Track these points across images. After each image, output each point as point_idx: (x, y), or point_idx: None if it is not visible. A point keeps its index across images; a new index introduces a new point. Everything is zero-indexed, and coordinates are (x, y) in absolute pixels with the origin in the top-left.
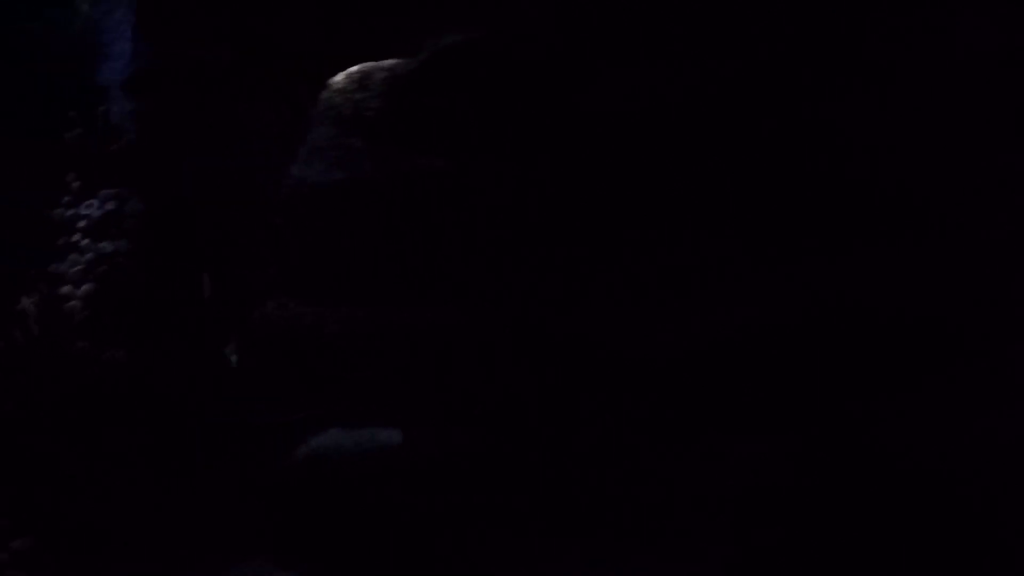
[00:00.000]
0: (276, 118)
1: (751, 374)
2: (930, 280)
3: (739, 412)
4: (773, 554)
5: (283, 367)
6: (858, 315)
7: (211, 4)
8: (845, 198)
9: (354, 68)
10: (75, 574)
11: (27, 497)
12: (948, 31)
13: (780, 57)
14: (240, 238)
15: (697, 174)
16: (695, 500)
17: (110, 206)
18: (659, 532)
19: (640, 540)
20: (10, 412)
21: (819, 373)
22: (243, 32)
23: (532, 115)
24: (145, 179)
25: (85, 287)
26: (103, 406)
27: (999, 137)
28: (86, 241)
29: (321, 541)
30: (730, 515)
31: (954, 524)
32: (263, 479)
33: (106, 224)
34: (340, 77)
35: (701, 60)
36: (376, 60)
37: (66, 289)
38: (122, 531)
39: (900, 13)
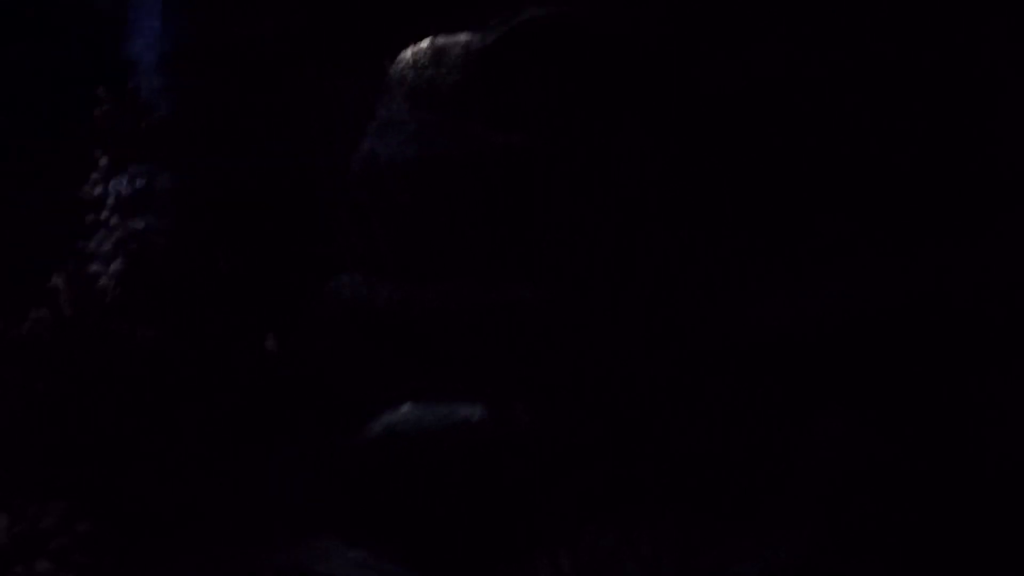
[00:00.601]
0: (323, 93)
1: (850, 354)
2: None
3: (835, 390)
4: (861, 528)
5: (355, 342)
6: (955, 300)
7: None
8: (951, 187)
9: (425, 42)
10: (140, 556)
11: (86, 478)
12: None
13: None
14: (287, 216)
15: (808, 159)
16: (786, 475)
17: (140, 183)
18: (748, 507)
19: (727, 515)
20: (61, 391)
21: (915, 354)
22: (290, 7)
23: (616, 91)
24: (180, 156)
25: (115, 265)
26: (146, 385)
27: None
28: (115, 218)
29: (395, 517)
30: (820, 490)
31: None
32: (331, 455)
33: (136, 201)
34: (411, 51)
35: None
36: (434, 34)
37: (95, 267)
38: (185, 510)
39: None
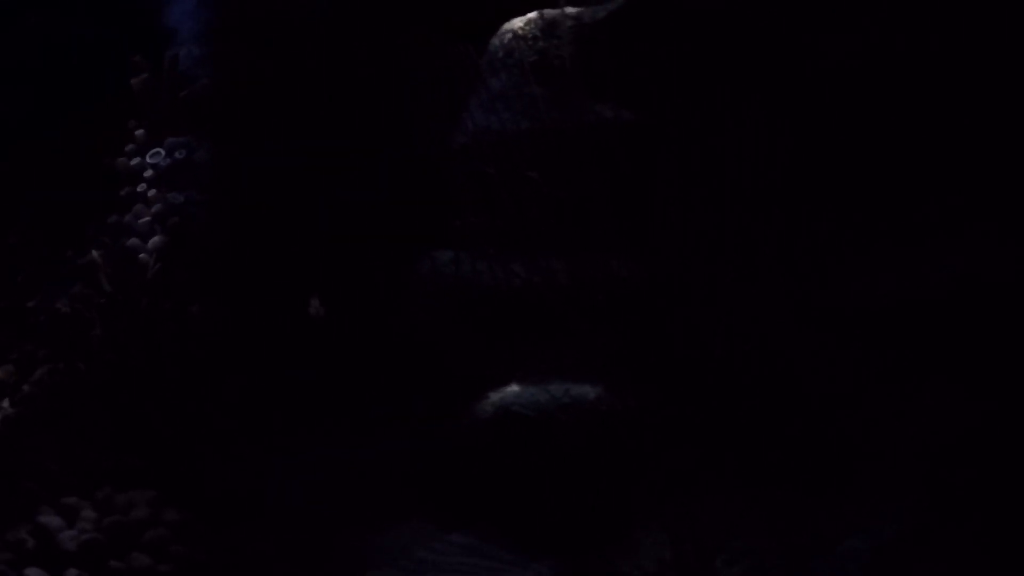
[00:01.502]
0: (392, 64)
1: (957, 326)
2: None
3: (942, 363)
4: (962, 498)
5: (453, 320)
6: None
7: None
8: None
9: (533, 14)
10: (230, 545)
11: (157, 464)
12: None
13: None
14: (343, 187)
15: (930, 135)
16: (886, 450)
17: (179, 155)
18: (846, 482)
19: (826, 491)
20: (107, 371)
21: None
22: None
23: (730, 68)
24: (221, 128)
25: (155, 240)
26: (199, 365)
27: None
28: (153, 191)
29: (499, 499)
30: (923, 463)
31: None
32: (418, 437)
33: (175, 174)
34: (519, 23)
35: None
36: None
37: (133, 241)
38: (260, 495)
39: None
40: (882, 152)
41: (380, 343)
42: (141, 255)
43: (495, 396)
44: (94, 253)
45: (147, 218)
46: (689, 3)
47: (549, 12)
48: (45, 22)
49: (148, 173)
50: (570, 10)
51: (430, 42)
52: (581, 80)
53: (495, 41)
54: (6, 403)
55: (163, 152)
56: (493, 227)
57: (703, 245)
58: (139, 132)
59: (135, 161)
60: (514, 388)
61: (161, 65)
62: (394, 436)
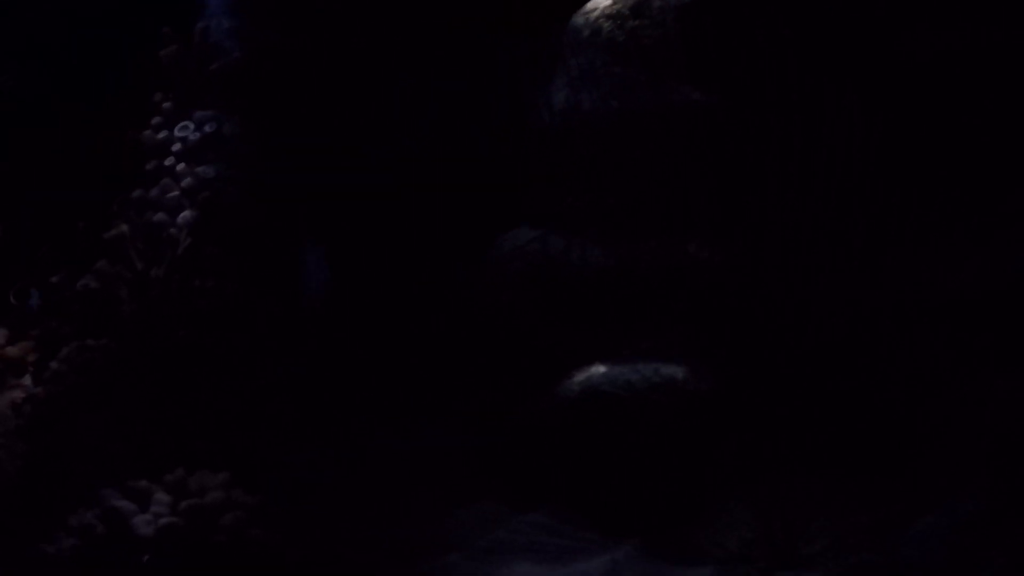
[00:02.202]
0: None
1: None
2: None
3: (1008, 350)
4: None
5: (537, 300)
6: None
7: None
8: None
9: None
10: (303, 528)
11: (236, 446)
12: None
13: None
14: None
15: (1009, 127)
16: (962, 428)
17: (209, 128)
18: (916, 465)
19: (897, 474)
20: (145, 351)
21: None
22: None
23: (821, 55)
24: (254, 101)
25: (185, 214)
26: (239, 344)
27: None
28: (182, 166)
29: (577, 478)
30: (987, 448)
31: None
32: (498, 417)
33: (204, 147)
34: (606, 2)
35: None
36: None
37: (160, 216)
38: (324, 477)
39: None
40: (971, 145)
41: (458, 322)
42: (170, 230)
43: (580, 376)
44: (124, 227)
45: (175, 192)
46: None
47: None
48: None
49: (176, 147)
50: None
51: (509, 18)
52: (670, 61)
53: (579, 20)
54: (27, 380)
55: (191, 126)
56: (577, 207)
57: (789, 231)
58: (166, 105)
59: (162, 134)
60: (600, 368)
61: (190, 37)
62: (468, 417)
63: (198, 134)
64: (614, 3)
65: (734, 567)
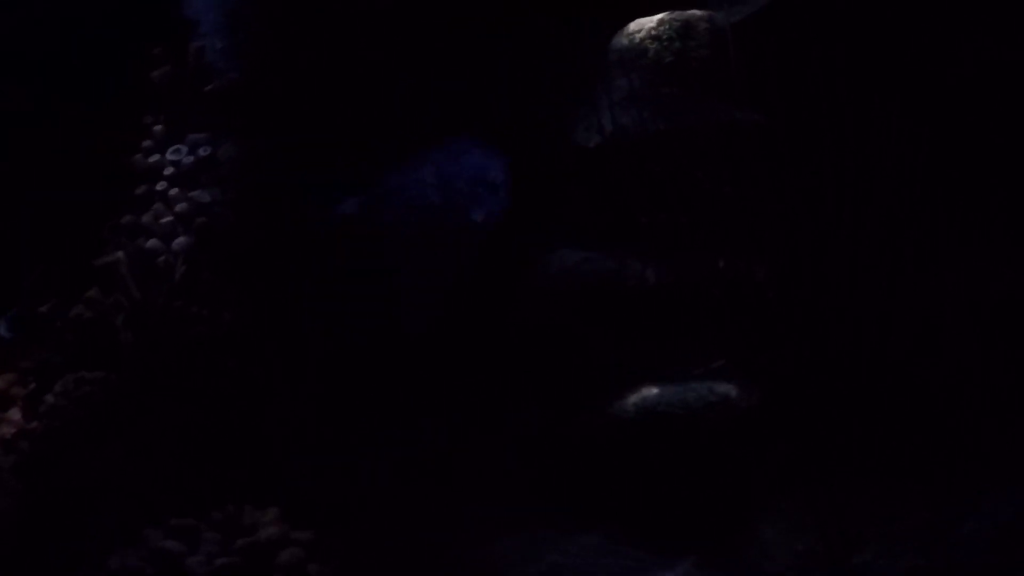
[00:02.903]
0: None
1: None
2: None
3: None
4: None
5: (594, 318)
6: None
7: None
8: None
9: (666, 15)
10: (359, 560)
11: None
12: None
13: None
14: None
15: None
16: (998, 438)
17: (203, 152)
18: (954, 473)
19: (938, 481)
20: (149, 382)
21: None
22: None
23: (868, 74)
24: (252, 124)
25: (180, 240)
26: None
27: None
28: (175, 190)
29: (631, 498)
30: None
31: None
32: (544, 439)
33: (198, 171)
34: (651, 23)
35: None
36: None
37: (153, 243)
38: (366, 503)
39: None
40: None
41: (498, 343)
42: (161, 257)
43: (634, 395)
44: (118, 254)
45: (168, 218)
46: (821, 13)
47: (684, 13)
48: (53, 10)
49: (169, 171)
50: (700, 12)
51: (547, 36)
52: (715, 81)
53: (622, 40)
54: (15, 415)
55: (185, 149)
56: (627, 228)
57: (832, 245)
58: (157, 128)
59: (154, 158)
60: (654, 388)
61: (182, 58)
62: (512, 438)
63: (192, 158)
64: (659, 24)
65: (796, 571)
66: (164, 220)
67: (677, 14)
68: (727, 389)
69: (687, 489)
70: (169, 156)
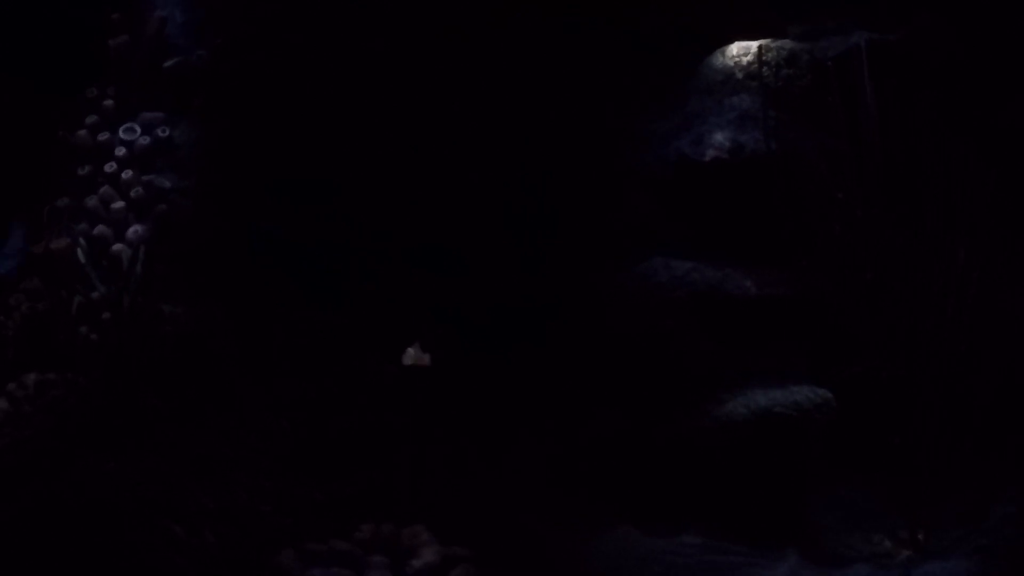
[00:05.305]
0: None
1: None
2: None
3: None
4: None
5: (700, 325)
6: None
7: None
8: None
9: (766, 42)
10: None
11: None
12: None
13: None
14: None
15: None
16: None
17: (161, 133)
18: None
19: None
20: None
21: None
22: None
23: (948, 110)
24: (219, 106)
25: (137, 229)
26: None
27: None
28: (129, 173)
29: (726, 499)
30: None
31: None
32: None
33: (154, 155)
34: (756, 48)
35: None
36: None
37: (101, 230)
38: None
39: None
40: None
41: (594, 350)
42: (115, 246)
43: (742, 398)
44: (63, 241)
45: (119, 203)
46: (902, 53)
47: (786, 43)
48: None
49: (120, 151)
50: (799, 45)
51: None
52: (813, 107)
53: (727, 61)
54: None
55: (138, 128)
56: (726, 240)
57: (920, 262)
58: (107, 103)
59: (103, 136)
60: (760, 391)
61: (141, 28)
62: (609, 439)
63: (147, 138)
64: (765, 51)
65: (888, 561)
66: (115, 206)
67: (780, 43)
68: (823, 392)
69: (788, 484)
70: (122, 135)
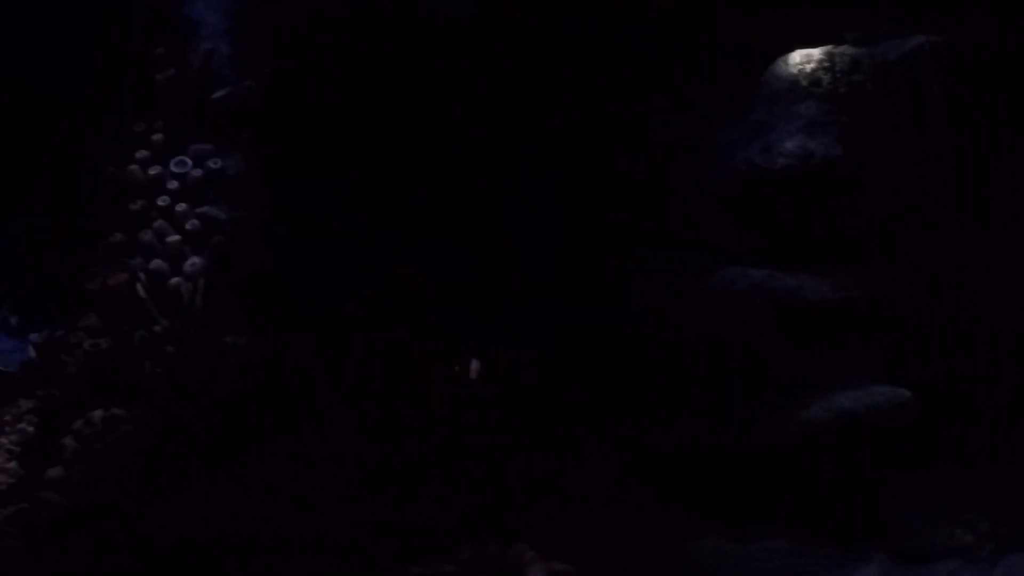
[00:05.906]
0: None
1: None
2: None
3: None
4: None
5: (779, 331)
6: None
7: None
8: None
9: (829, 48)
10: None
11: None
12: None
13: None
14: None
15: None
16: None
17: (213, 164)
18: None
19: None
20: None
21: None
22: None
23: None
24: (261, 135)
25: (195, 262)
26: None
27: None
28: (183, 206)
29: (812, 502)
30: None
31: None
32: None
33: (206, 186)
34: (819, 54)
35: None
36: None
37: (157, 264)
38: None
39: None
40: None
41: (672, 359)
42: (172, 280)
43: (824, 402)
44: (123, 276)
45: (174, 236)
46: (966, 54)
47: (847, 48)
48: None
49: (173, 185)
50: (860, 50)
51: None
52: (879, 112)
53: (790, 69)
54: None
55: (189, 161)
56: (802, 247)
57: (984, 265)
58: (156, 137)
59: (154, 171)
60: (840, 393)
61: (185, 61)
62: (692, 447)
63: (199, 171)
64: (829, 57)
65: (973, 555)
66: (170, 239)
67: (842, 48)
68: (902, 392)
69: (872, 484)
70: (173, 168)
